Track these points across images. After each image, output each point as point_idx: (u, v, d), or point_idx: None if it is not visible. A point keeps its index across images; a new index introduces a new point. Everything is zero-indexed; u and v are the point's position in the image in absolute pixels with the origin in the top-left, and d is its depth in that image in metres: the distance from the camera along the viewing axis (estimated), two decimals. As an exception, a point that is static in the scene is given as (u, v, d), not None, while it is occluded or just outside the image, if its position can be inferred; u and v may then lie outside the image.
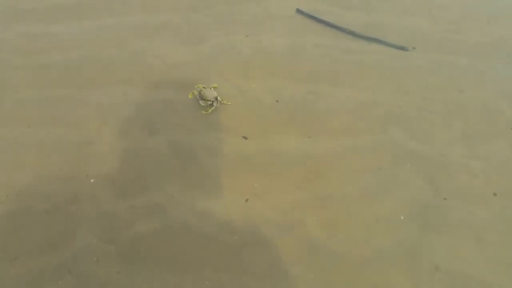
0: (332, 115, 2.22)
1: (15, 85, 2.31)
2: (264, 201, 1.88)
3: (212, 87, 2.30)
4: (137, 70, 2.41)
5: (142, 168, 1.97)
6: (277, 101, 2.27)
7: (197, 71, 2.42)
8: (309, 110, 2.24)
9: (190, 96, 2.28)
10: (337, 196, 1.90)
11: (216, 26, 2.73)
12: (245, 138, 2.12)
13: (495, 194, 1.93)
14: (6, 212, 1.79)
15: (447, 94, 2.38)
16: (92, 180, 1.91)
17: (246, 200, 1.88)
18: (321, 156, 2.05)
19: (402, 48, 2.62)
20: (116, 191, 1.88)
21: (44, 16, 2.73)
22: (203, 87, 2.27)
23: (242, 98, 2.28)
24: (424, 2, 2.99)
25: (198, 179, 1.94)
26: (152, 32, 2.66)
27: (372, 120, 2.21)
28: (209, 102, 2.20)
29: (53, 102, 2.23)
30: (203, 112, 2.21)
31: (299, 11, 2.82)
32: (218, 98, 2.22)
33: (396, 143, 2.12)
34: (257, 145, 2.08)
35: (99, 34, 2.64)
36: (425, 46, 2.65)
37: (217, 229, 1.78)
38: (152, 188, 1.90)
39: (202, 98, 2.21)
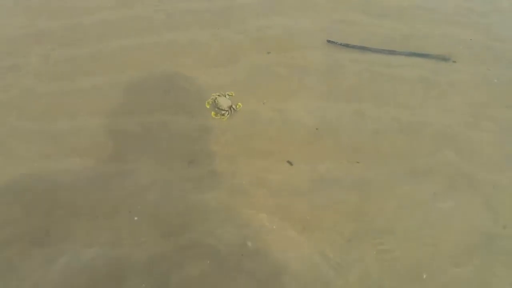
0: (380, 138, 2.08)
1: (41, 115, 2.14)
2: (318, 234, 1.74)
3: (228, 95, 2.20)
4: (171, 96, 2.23)
5: (184, 201, 1.82)
6: (316, 129, 2.12)
7: (234, 92, 2.25)
8: (356, 133, 2.09)
9: (207, 106, 2.17)
10: (395, 228, 1.77)
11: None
12: (290, 163, 1.97)
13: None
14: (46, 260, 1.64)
15: (495, 111, 2.25)
16: (135, 218, 1.76)
17: (302, 230, 1.74)
18: (374, 182, 1.91)
19: (444, 58, 2.47)
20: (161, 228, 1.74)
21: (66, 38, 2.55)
22: (218, 95, 2.18)
23: (282, 121, 2.13)
24: (463, 9, 2.83)
25: (246, 213, 1.80)
26: (180, 52, 2.49)
27: (422, 142, 2.08)
28: (223, 112, 2.13)
29: (84, 131, 2.06)
30: (213, 115, 2.14)
31: (330, 41, 2.58)
32: (233, 106, 2.15)
33: (449, 166, 1.99)
34: (303, 172, 1.94)
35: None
36: (467, 57, 2.51)
37: (271, 267, 1.64)
38: (198, 226, 1.75)
39: (217, 106, 2.14)
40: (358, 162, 1.98)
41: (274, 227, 1.76)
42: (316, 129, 2.11)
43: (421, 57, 2.48)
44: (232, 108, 2.15)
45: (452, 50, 2.54)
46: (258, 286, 1.60)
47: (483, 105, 2.26)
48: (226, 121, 2.11)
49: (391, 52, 2.50)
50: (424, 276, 1.65)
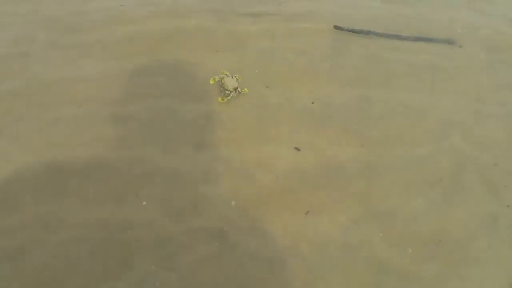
0: (387, 122, 2.06)
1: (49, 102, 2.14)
2: (324, 217, 1.74)
3: (236, 77, 2.18)
4: (178, 82, 2.22)
5: (192, 186, 1.82)
6: (312, 102, 2.12)
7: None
8: (363, 118, 2.07)
9: (211, 82, 2.17)
10: (401, 211, 1.76)
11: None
12: (298, 149, 1.96)
13: None
14: (57, 243, 1.65)
15: (502, 95, 2.22)
16: (144, 203, 1.77)
17: (306, 213, 1.75)
18: (380, 167, 1.90)
19: (450, 43, 2.43)
20: (170, 213, 1.74)
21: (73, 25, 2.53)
22: (226, 75, 2.17)
23: (288, 106, 2.11)
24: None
25: (254, 198, 1.79)
26: (187, 37, 2.46)
27: (429, 126, 2.06)
28: (228, 92, 2.11)
29: (92, 118, 2.05)
30: (219, 100, 2.12)
31: (337, 27, 2.54)
32: (238, 89, 2.13)
33: (455, 151, 1.98)
34: (311, 158, 1.93)
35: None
36: (473, 42, 2.47)
37: (279, 250, 1.64)
38: (207, 209, 1.75)
39: (222, 86, 2.13)
40: (362, 146, 1.96)
41: (282, 211, 1.76)
42: (312, 102, 2.12)
43: (427, 42, 2.44)
44: (237, 90, 2.13)
45: (458, 35, 2.49)
46: (266, 268, 1.61)
47: (490, 89, 2.24)
48: (233, 107, 2.09)
49: (398, 37, 2.47)
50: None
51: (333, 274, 1.58)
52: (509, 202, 1.78)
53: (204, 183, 1.84)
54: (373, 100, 2.13)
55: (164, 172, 1.87)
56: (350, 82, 2.21)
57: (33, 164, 1.87)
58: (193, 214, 1.73)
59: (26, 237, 1.66)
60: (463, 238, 1.68)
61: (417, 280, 1.57)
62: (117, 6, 2.60)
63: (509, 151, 1.98)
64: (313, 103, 2.14)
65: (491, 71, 2.32)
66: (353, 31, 2.49)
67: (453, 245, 1.67)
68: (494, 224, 1.72)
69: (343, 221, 1.73)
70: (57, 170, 1.86)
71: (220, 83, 2.15)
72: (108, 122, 2.03)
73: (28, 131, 1.99)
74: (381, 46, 2.39)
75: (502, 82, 2.27)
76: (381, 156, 1.93)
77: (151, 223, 1.71)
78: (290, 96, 2.15)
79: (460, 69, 2.31)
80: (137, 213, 1.73)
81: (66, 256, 1.61)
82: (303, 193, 1.82)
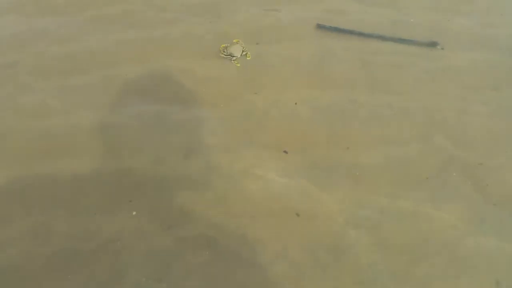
0: (373, 124, 2.05)
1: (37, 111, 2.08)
2: (314, 221, 1.72)
3: (235, 41, 2.34)
4: (166, 89, 2.17)
5: (182, 195, 1.79)
6: (295, 103, 2.10)
7: (226, 84, 2.20)
8: (348, 120, 2.05)
9: (221, 49, 2.33)
10: (388, 213, 1.74)
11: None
12: (286, 152, 1.94)
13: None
14: (48, 256, 1.60)
15: (485, 95, 2.22)
16: (134, 213, 1.72)
17: (297, 215, 1.72)
18: (366, 168, 1.88)
19: (433, 44, 2.42)
20: (160, 223, 1.70)
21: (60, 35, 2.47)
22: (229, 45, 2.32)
23: (277, 110, 2.09)
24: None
25: (243, 204, 1.76)
26: (174, 45, 2.42)
27: (413, 127, 2.04)
28: (234, 57, 2.29)
29: (79, 128, 2.00)
30: (236, 64, 2.28)
31: (320, 26, 2.53)
32: (243, 53, 2.31)
33: (440, 151, 1.96)
34: (298, 161, 1.90)
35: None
36: (456, 43, 2.46)
37: (270, 256, 1.61)
38: (197, 217, 1.72)
39: (229, 53, 2.30)
40: (348, 148, 1.94)
41: (271, 216, 1.73)
42: (295, 103, 2.10)
43: (410, 44, 2.43)
44: (243, 53, 2.29)
45: (441, 37, 2.49)
46: (257, 274, 1.57)
47: (473, 89, 2.23)
48: (221, 113, 2.06)
49: (380, 37, 2.46)
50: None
51: (324, 279, 1.55)
52: (495, 201, 1.77)
53: (193, 191, 1.80)
54: (358, 102, 2.12)
55: (153, 181, 1.83)
56: (335, 85, 2.20)
57: (21, 176, 1.83)
58: (182, 222, 1.70)
59: (16, 251, 1.61)
60: (451, 238, 1.67)
61: (406, 281, 1.55)
62: (105, 15, 2.54)
63: (493, 149, 1.97)
64: (296, 103, 2.12)
65: (473, 71, 2.31)
66: (336, 29, 2.47)
67: (440, 246, 1.65)
68: (481, 223, 1.71)
69: (331, 225, 1.71)
70: (45, 181, 1.82)
71: (226, 51, 2.30)
72: (96, 132, 1.99)
73: (17, 142, 1.94)
74: (365, 50, 2.37)
75: (484, 82, 2.26)
76: (366, 158, 1.91)
77: (141, 234, 1.67)
78: (277, 101, 2.12)
79: (443, 70, 2.31)
80: (126, 223, 1.69)
81: (56, 269, 1.57)
82: (293, 196, 1.79)
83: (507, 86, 2.27)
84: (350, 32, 2.45)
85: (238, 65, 2.28)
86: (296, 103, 2.11)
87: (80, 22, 2.51)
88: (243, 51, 2.30)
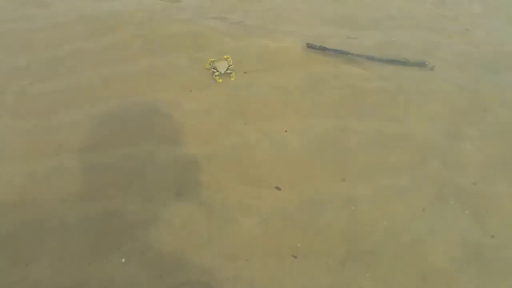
0: (365, 153, 2.01)
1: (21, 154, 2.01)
2: (311, 260, 1.67)
3: (229, 62, 2.33)
4: (154, 125, 2.12)
5: (175, 238, 1.73)
6: (286, 131, 2.07)
7: (215, 116, 2.15)
8: (341, 149, 2.01)
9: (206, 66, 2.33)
10: (386, 248, 1.70)
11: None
12: (278, 188, 1.89)
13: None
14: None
15: (476, 116, 2.20)
16: (123, 260, 1.66)
17: (293, 257, 1.67)
18: (362, 201, 1.84)
19: (422, 64, 2.41)
20: (151, 269, 1.63)
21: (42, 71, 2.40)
22: (219, 59, 2.33)
23: (267, 143, 2.04)
24: (436, 16, 2.77)
25: (238, 245, 1.71)
26: (160, 77, 2.37)
27: (406, 154, 2.01)
28: (217, 72, 2.29)
29: (65, 170, 1.93)
30: (217, 79, 2.28)
31: (309, 45, 2.51)
32: (228, 70, 2.30)
33: (435, 178, 1.93)
34: (292, 197, 1.86)
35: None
36: (444, 64, 2.45)
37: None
38: (190, 262, 1.65)
39: (214, 67, 2.31)
40: (344, 180, 1.90)
41: (267, 256, 1.68)
42: (302, 149, 2.03)
43: (399, 65, 2.41)
44: (227, 71, 2.29)
45: (430, 57, 2.48)
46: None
47: (464, 111, 2.22)
48: (211, 148, 2.01)
49: (370, 58, 2.43)
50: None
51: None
52: (493, 232, 1.74)
53: (185, 232, 1.75)
54: (350, 130, 2.08)
55: (144, 224, 1.77)
56: (325, 114, 2.16)
57: (4, 223, 1.74)
58: (175, 268, 1.64)
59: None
60: (449, 272, 1.63)
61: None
62: (89, 49, 2.48)
63: (487, 173, 1.95)
64: (286, 131, 2.08)
65: (464, 92, 2.30)
66: (325, 49, 2.45)
67: (439, 280, 1.61)
68: (480, 256, 1.67)
69: (329, 263, 1.66)
70: (31, 228, 1.74)
71: (212, 65, 2.31)
72: (83, 173, 1.92)
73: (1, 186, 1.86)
74: (355, 76, 2.35)
75: (475, 102, 2.25)
76: (362, 189, 1.87)
77: (131, 282, 1.60)
78: (267, 132, 2.08)
79: (433, 92, 2.29)
80: (116, 272, 1.62)
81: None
82: (288, 235, 1.75)
83: (497, 106, 2.26)
84: (339, 52, 2.43)
85: (220, 80, 2.28)
86: (286, 131, 2.07)
87: (63, 56, 2.44)
88: (228, 69, 2.30)
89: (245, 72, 2.35)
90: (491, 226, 1.76)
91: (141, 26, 2.63)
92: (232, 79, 2.30)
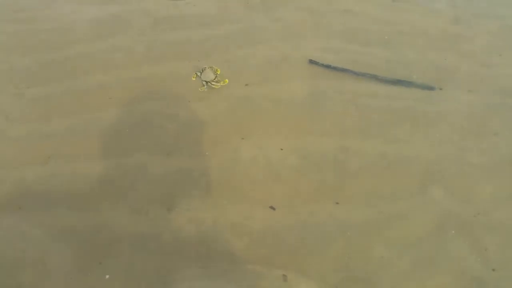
0: (366, 176, 1.94)
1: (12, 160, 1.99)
2: (304, 284, 1.61)
3: (217, 71, 2.26)
4: (149, 135, 2.09)
5: (163, 255, 1.69)
6: (281, 149, 2.02)
7: (212, 129, 2.11)
8: (339, 171, 1.95)
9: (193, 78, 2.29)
10: (381, 278, 1.64)
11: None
12: (273, 208, 1.84)
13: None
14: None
15: (484, 141, 2.11)
16: (107, 276, 1.63)
17: (287, 280, 1.61)
18: (358, 227, 1.78)
19: (430, 88, 2.34)
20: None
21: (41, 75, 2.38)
22: (209, 67, 2.25)
23: (263, 160, 1.98)
24: (448, 35, 2.70)
25: (227, 266, 1.66)
26: (160, 86, 2.34)
27: (408, 180, 1.94)
28: (203, 82, 2.24)
29: (57, 178, 1.91)
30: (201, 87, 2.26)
31: (312, 62, 2.44)
32: (212, 82, 2.24)
33: (437, 206, 1.85)
34: (286, 218, 1.80)
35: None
36: (454, 85, 2.37)
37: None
38: (178, 282, 1.62)
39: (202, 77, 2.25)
40: (337, 203, 1.85)
41: (258, 279, 1.63)
42: (299, 168, 1.97)
43: (406, 86, 2.35)
44: (214, 81, 2.23)
45: (438, 77, 2.40)
46: None
47: (472, 135, 2.13)
48: (206, 162, 1.97)
49: (374, 77, 2.36)
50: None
51: None
52: (494, 265, 1.66)
53: (174, 249, 1.70)
54: (351, 151, 2.02)
55: (131, 238, 1.73)
56: (327, 132, 2.09)
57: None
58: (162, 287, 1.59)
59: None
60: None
61: None
62: (89, 54, 2.47)
63: (491, 205, 1.86)
64: (282, 149, 2.03)
65: (473, 115, 2.21)
66: (328, 67, 2.39)
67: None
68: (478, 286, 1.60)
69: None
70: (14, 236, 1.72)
71: (201, 73, 2.25)
72: (73, 182, 1.90)
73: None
74: (360, 93, 2.28)
75: (485, 127, 2.16)
76: (358, 214, 1.81)
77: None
78: (264, 148, 2.02)
79: (440, 114, 2.21)
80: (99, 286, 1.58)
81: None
82: (280, 257, 1.69)
83: (508, 130, 2.19)
84: (343, 70, 2.37)
85: (203, 88, 2.26)
86: (281, 149, 2.02)
87: (62, 60, 2.43)
88: (215, 79, 2.25)
89: (246, 84, 2.31)
90: (492, 260, 1.68)
91: (143, 32, 2.61)
92: (215, 87, 2.26)
